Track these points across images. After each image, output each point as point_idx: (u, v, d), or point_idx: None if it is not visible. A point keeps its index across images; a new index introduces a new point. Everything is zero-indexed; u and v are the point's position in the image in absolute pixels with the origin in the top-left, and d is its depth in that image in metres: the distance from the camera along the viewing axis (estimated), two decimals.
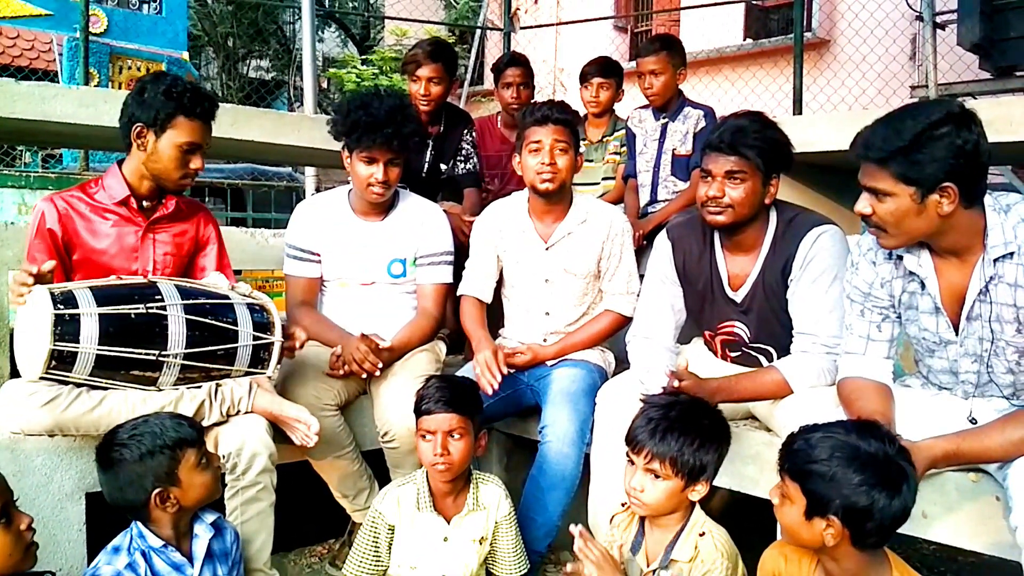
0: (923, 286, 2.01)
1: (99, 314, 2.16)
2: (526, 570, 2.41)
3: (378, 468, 2.78)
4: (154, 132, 2.44)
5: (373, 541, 2.29)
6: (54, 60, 9.84)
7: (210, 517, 2.05)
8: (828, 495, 1.61)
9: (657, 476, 1.93)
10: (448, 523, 2.28)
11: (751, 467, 2.43)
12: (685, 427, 1.93)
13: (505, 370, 2.66)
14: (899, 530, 1.90)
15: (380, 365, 2.68)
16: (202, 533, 2.01)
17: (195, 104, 2.45)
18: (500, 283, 3.02)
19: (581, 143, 3.88)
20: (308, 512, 2.93)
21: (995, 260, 1.88)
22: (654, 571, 1.98)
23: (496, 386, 2.61)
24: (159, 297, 2.26)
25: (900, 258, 2.03)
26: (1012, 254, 1.87)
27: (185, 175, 2.49)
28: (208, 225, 2.74)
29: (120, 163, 2.55)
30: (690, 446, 1.91)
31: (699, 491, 1.95)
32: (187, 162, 2.47)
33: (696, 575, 1.91)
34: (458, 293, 3.03)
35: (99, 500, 2.09)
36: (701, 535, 1.94)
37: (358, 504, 2.78)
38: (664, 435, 1.92)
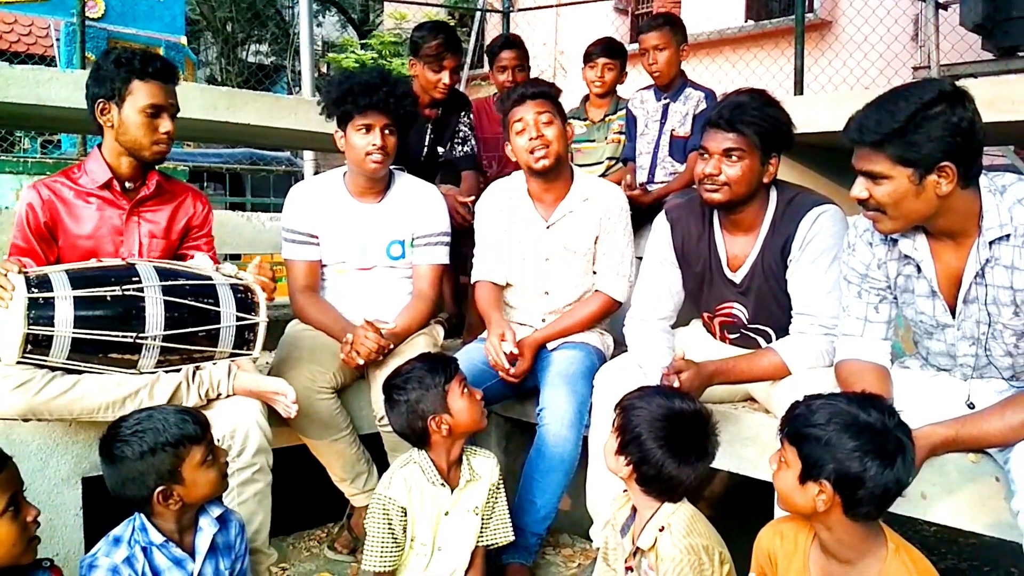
0: (919, 269, 1.99)
1: (74, 297, 2.14)
2: (512, 539, 2.41)
3: (376, 452, 2.78)
4: (115, 104, 2.44)
5: (388, 528, 2.24)
6: (52, 45, 9.79)
7: (216, 511, 1.98)
8: (822, 459, 1.62)
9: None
10: (452, 493, 2.28)
11: (750, 449, 2.42)
12: (641, 399, 2.00)
13: (512, 350, 2.70)
14: (899, 511, 1.90)
15: (391, 346, 2.68)
16: (206, 527, 1.94)
17: (146, 65, 2.44)
18: None
19: (583, 123, 3.88)
20: (306, 496, 2.92)
21: (991, 242, 1.87)
22: (633, 553, 1.99)
23: (508, 368, 2.70)
24: (136, 279, 2.24)
25: (895, 241, 2.01)
26: (1008, 236, 1.85)
27: (157, 140, 2.47)
28: (201, 206, 2.70)
29: (99, 146, 2.53)
30: (624, 410, 2.01)
31: (624, 470, 1.98)
32: (155, 127, 2.45)
33: (664, 568, 1.90)
34: (472, 280, 3.00)
35: (98, 483, 2.07)
36: (661, 529, 1.93)
37: (356, 488, 2.77)
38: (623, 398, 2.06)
